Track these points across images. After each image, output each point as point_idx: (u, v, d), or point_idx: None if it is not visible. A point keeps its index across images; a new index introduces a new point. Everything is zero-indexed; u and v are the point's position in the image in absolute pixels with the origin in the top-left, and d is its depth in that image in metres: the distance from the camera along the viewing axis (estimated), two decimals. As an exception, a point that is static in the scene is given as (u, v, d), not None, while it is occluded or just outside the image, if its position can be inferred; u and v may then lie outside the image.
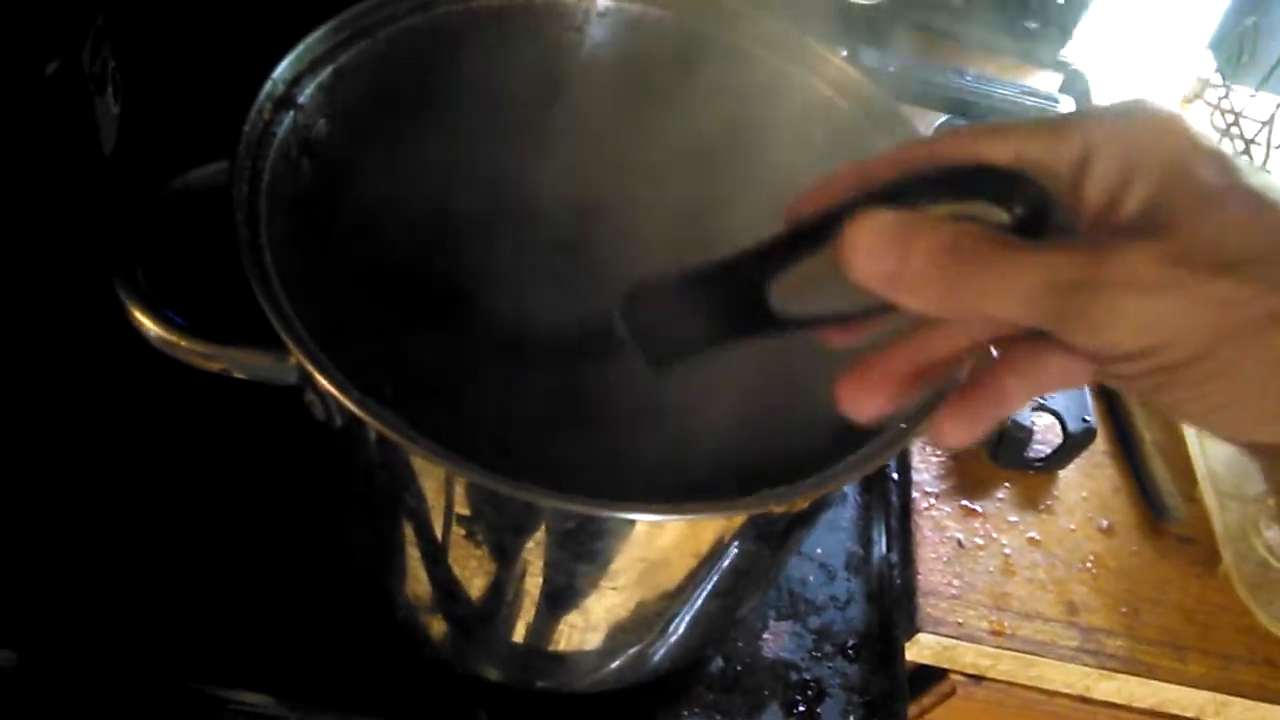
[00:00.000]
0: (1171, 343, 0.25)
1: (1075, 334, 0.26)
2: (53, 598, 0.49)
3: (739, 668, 0.55)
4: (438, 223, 0.50)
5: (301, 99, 0.42)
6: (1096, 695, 0.63)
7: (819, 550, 0.60)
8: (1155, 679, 0.61)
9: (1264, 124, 0.79)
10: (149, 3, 0.57)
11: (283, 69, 0.42)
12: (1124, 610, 0.63)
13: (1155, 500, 0.67)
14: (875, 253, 0.27)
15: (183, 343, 0.37)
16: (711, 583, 0.43)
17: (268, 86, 0.41)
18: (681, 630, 0.46)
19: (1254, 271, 0.24)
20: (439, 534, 0.40)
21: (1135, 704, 0.64)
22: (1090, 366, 0.28)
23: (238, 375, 0.38)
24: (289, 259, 0.38)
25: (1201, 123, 0.89)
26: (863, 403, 0.31)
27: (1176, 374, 0.25)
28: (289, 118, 0.42)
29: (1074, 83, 0.83)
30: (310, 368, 0.34)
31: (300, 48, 0.43)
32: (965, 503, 0.65)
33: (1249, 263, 0.24)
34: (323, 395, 0.36)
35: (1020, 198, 0.27)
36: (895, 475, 0.66)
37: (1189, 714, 0.64)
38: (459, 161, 0.50)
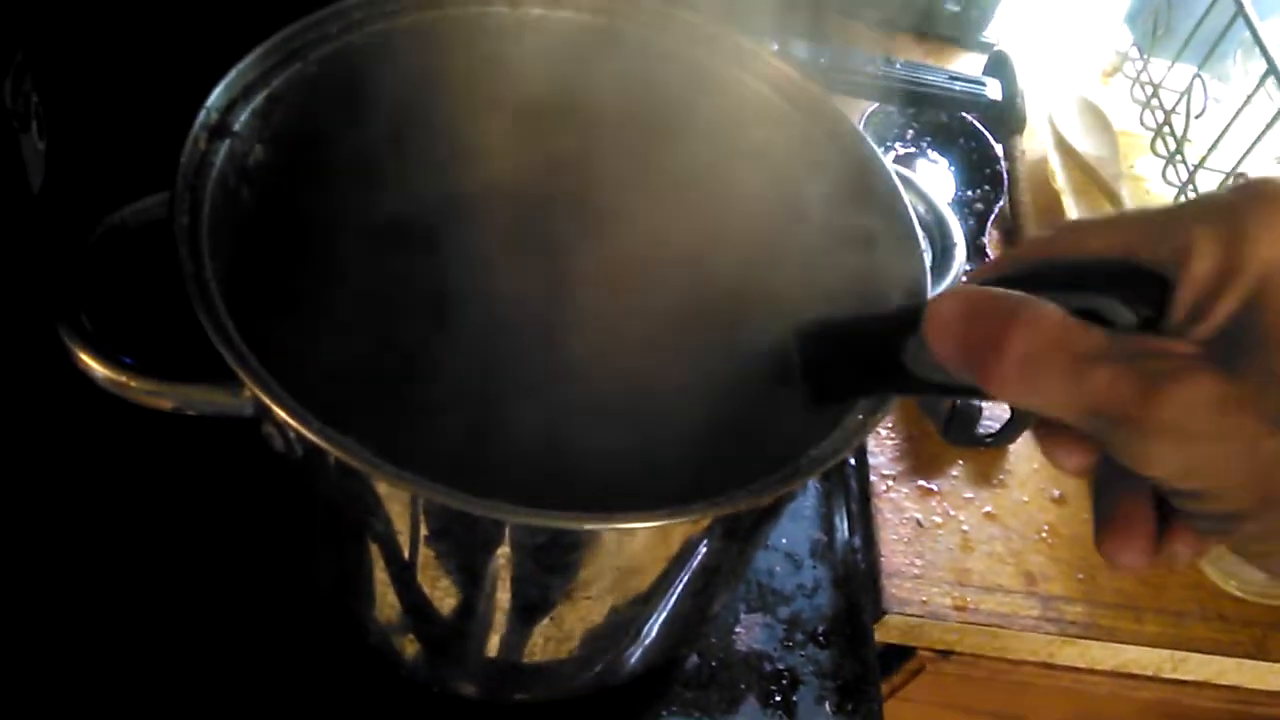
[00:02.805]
0: (1218, 492, 0.23)
1: (1122, 460, 0.24)
2: (15, 647, 0.48)
3: (714, 663, 0.55)
4: (384, 240, 0.50)
5: (237, 126, 0.42)
6: (1060, 661, 0.65)
7: (784, 540, 0.61)
8: (1114, 641, 0.63)
9: (1182, 94, 0.82)
10: (71, 35, 0.56)
11: (216, 97, 0.41)
12: (1080, 577, 0.64)
13: (1103, 467, 0.69)
14: (946, 330, 0.27)
15: (132, 383, 0.37)
16: (683, 583, 0.43)
17: (202, 115, 0.40)
18: (655, 632, 0.47)
19: None
20: (407, 556, 0.39)
21: (1097, 667, 0.65)
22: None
23: (191, 412, 0.37)
24: (235, 289, 0.37)
25: (1122, 95, 0.92)
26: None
27: (1233, 523, 0.24)
28: (225, 146, 0.41)
29: (998, 63, 0.85)
30: (266, 400, 0.33)
31: (232, 74, 0.42)
32: (922, 482, 0.67)
33: None
34: (280, 426, 0.35)
35: (1137, 297, 0.25)
36: (852, 460, 0.67)
37: (1148, 672, 0.66)
38: (400, 179, 0.50)
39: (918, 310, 0.29)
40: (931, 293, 0.42)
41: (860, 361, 0.34)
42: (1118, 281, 0.26)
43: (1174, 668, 0.65)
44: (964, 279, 0.30)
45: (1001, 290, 0.26)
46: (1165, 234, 0.25)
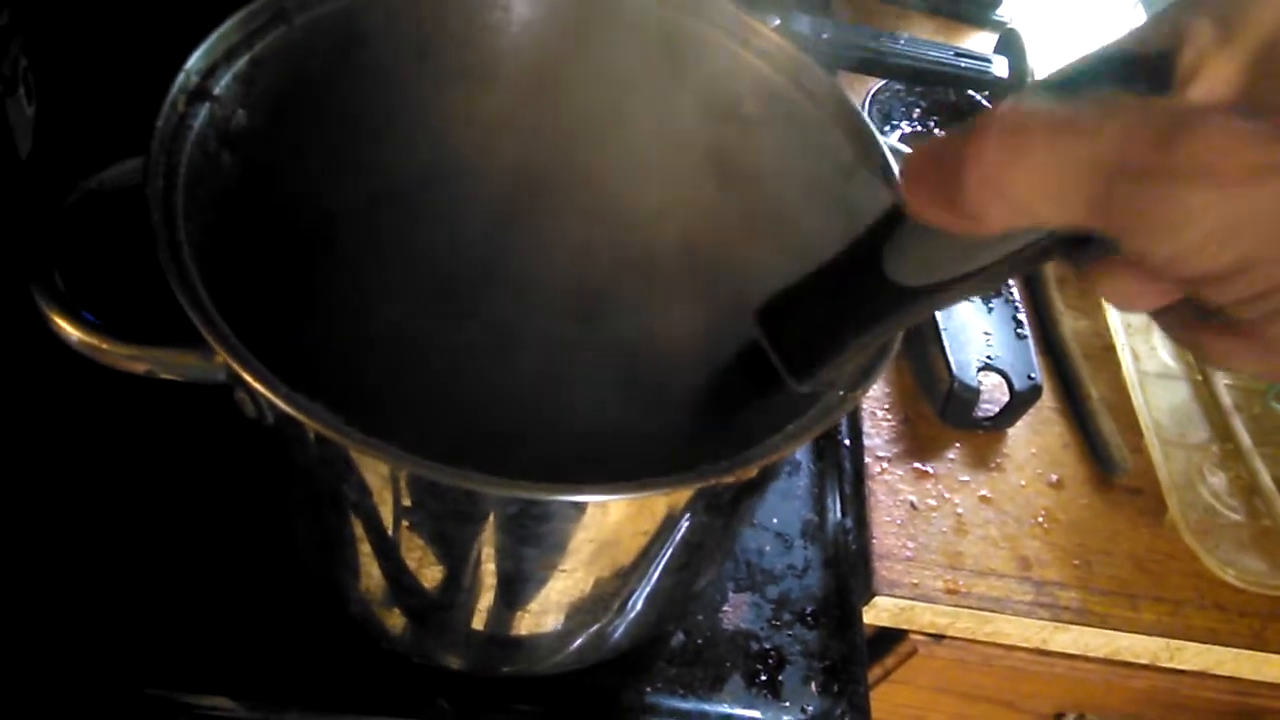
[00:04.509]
0: (1266, 257, 0.19)
1: (1137, 240, 0.20)
2: (-5, 613, 0.48)
3: (700, 641, 0.55)
4: (367, 209, 0.49)
5: (217, 90, 0.41)
6: (1053, 647, 0.64)
7: (775, 520, 0.60)
8: (1109, 628, 0.62)
9: (1195, 75, 0.80)
10: (57, -2, 0.55)
11: (195, 60, 0.41)
12: (1076, 563, 0.64)
13: (1102, 453, 0.68)
14: (920, 175, 0.23)
15: (105, 345, 0.37)
16: (665, 558, 0.43)
17: (180, 78, 0.40)
18: (639, 607, 0.46)
19: None
20: (383, 527, 0.39)
21: (1091, 654, 0.65)
22: (1168, 289, 0.22)
23: (165, 376, 0.37)
24: (212, 255, 0.37)
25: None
26: None
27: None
28: (205, 110, 0.41)
29: (1009, 41, 0.83)
30: (235, 365, 0.33)
31: (213, 37, 0.41)
32: (917, 465, 0.66)
33: None
34: (251, 393, 0.35)
35: (1142, 81, 0.22)
36: (847, 441, 0.66)
37: (1143, 661, 0.65)
38: (386, 148, 0.49)
39: (887, 213, 0.28)
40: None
41: (839, 300, 0.32)
42: (1117, 73, 0.22)
43: (1170, 656, 0.64)
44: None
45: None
46: (1158, 27, 0.22)
